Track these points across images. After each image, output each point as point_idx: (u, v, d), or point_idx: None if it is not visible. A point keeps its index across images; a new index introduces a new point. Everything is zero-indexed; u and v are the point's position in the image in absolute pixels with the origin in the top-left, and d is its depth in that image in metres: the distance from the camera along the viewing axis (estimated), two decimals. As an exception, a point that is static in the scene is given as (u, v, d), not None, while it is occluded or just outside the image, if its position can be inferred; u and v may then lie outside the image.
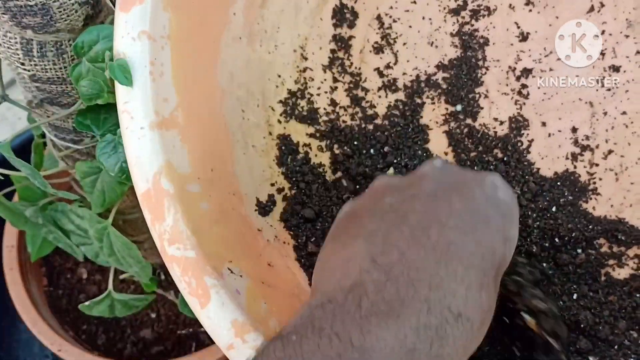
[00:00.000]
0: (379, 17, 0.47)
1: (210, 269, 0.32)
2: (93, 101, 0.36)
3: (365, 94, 0.47)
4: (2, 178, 0.40)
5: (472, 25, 0.47)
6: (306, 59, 0.46)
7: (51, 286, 0.60)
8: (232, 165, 0.40)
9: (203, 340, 0.58)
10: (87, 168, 0.41)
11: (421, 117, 0.46)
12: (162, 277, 0.60)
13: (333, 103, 0.46)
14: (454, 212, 0.28)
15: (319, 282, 0.30)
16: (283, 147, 0.44)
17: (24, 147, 0.50)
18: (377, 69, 0.47)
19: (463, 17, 0.47)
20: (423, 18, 0.47)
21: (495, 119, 0.46)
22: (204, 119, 0.38)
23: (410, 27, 0.47)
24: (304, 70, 0.46)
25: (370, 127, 0.46)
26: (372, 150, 0.45)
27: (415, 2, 0.47)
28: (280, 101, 0.45)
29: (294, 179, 0.44)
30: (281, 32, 0.45)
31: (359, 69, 0.47)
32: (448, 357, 0.26)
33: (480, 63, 0.46)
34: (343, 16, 0.47)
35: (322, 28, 0.46)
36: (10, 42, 0.35)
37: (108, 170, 0.37)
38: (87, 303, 0.51)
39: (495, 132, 0.46)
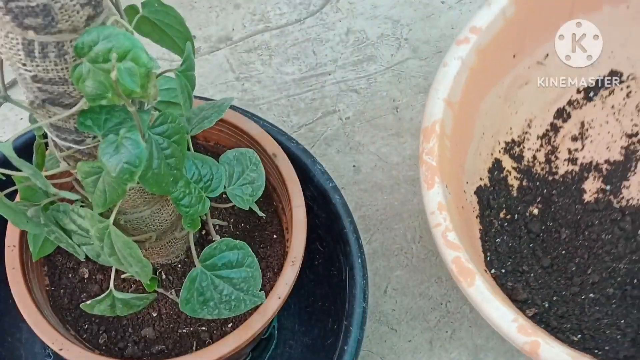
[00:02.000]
0: (582, 122, 0.75)
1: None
2: (97, 102, 0.36)
3: (556, 159, 0.74)
4: (4, 178, 0.40)
5: (637, 145, 0.73)
6: (530, 127, 0.74)
7: (53, 285, 0.60)
8: (465, 158, 0.66)
9: (204, 339, 0.58)
10: (89, 168, 0.41)
11: (583, 186, 0.73)
12: (163, 276, 0.60)
13: (534, 157, 0.73)
14: None
15: None
16: (495, 164, 0.71)
17: (26, 148, 0.50)
18: (568, 149, 0.74)
19: (632, 141, 0.73)
20: (608, 132, 0.75)
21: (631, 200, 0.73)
22: (464, 120, 0.64)
23: (598, 134, 0.75)
24: (526, 132, 0.74)
25: (550, 178, 0.74)
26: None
27: (607, 122, 0.74)
28: (505, 141, 0.72)
29: (493, 182, 0.71)
30: (524, 105, 0.73)
31: (558, 145, 0.74)
32: None
33: (632, 167, 0.74)
34: (562, 114, 0.75)
35: (547, 115, 0.75)
36: (11, 42, 0.35)
37: (110, 170, 0.37)
38: (88, 302, 0.51)
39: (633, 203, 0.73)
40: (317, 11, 1.01)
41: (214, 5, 1.01)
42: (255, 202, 0.56)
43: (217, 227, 0.62)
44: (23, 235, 0.57)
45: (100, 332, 0.58)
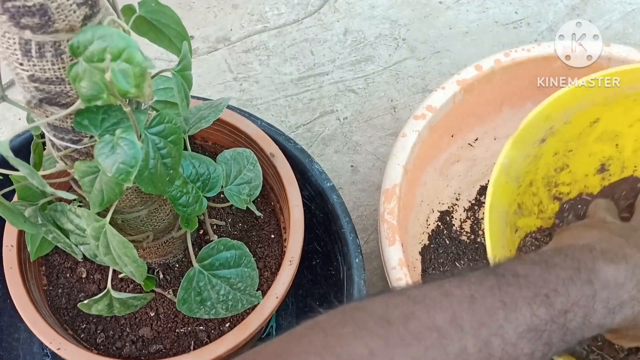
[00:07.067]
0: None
1: None
2: (92, 102, 0.36)
3: (479, 230, 0.80)
4: (2, 178, 0.41)
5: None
6: (458, 200, 0.81)
7: (50, 285, 0.60)
8: (408, 221, 0.75)
9: (202, 339, 0.58)
10: (86, 167, 0.41)
11: None
12: (161, 276, 0.60)
13: (461, 227, 0.79)
14: None
15: (560, 242, 0.56)
16: (434, 230, 0.78)
17: (24, 147, 0.50)
18: None
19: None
20: None
21: None
22: (410, 187, 0.74)
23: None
24: (455, 204, 0.80)
25: (475, 245, 0.79)
26: None
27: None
28: (439, 210, 0.79)
29: (433, 244, 0.77)
30: (454, 180, 0.81)
31: (481, 217, 0.80)
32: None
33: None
34: (484, 191, 0.74)
35: (472, 190, 0.82)
36: (8, 42, 0.35)
37: (106, 170, 0.37)
38: (86, 302, 0.51)
39: None
40: (315, 11, 1.01)
41: (212, 6, 1.01)
42: (253, 201, 0.56)
43: (214, 227, 0.62)
44: (21, 234, 0.57)
45: (98, 331, 0.58)
